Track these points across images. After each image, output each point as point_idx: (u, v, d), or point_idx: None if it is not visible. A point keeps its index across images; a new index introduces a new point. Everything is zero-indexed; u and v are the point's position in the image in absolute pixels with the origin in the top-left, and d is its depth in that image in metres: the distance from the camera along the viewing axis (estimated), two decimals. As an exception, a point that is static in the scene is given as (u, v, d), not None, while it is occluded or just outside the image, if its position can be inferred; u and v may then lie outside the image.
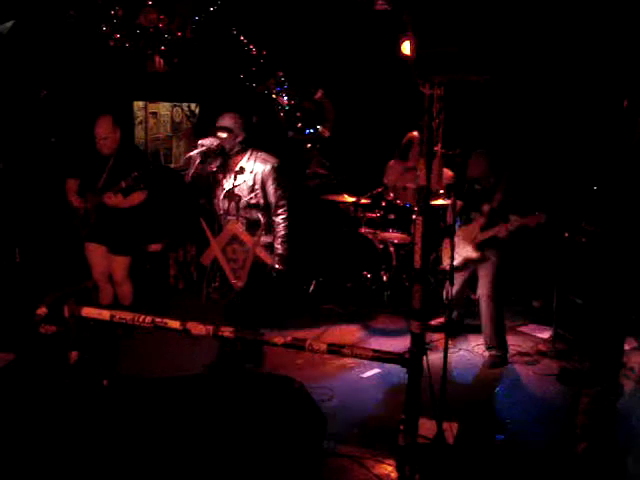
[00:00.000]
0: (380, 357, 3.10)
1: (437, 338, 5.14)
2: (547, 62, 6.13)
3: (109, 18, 6.09)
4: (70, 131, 6.01)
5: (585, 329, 4.91)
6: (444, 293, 5.45)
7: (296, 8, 6.78)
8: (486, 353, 5.02)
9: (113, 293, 5.19)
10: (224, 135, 4.24)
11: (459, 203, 5.08)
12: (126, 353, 4.83)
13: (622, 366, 4.32)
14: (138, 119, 7.11)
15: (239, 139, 4.29)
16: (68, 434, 3.25)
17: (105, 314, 3.34)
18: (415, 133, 6.08)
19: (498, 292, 4.93)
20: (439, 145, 4.40)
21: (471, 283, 5.31)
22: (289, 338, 3.22)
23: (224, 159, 4.34)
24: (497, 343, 4.94)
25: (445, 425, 3.52)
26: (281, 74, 6.93)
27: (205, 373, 4.45)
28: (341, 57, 7.03)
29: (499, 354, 4.93)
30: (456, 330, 5.43)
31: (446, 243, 5.30)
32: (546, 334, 5.50)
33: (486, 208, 4.94)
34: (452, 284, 4.06)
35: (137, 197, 4.91)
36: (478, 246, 4.94)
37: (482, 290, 4.98)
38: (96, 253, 5.04)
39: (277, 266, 4.28)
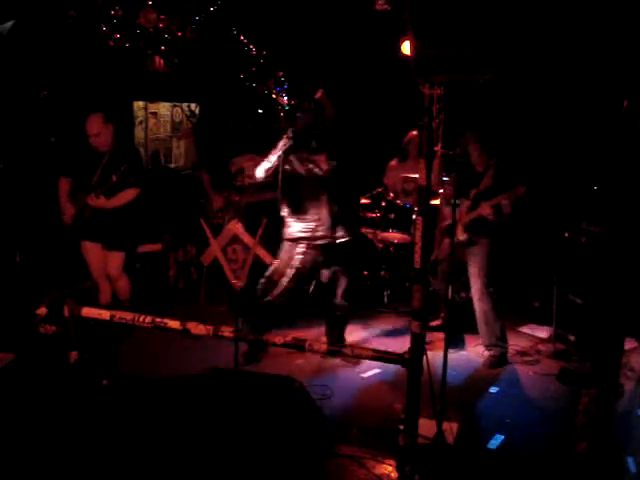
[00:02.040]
0: (380, 357, 3.10)
1: (437, 338, 5.14)
2: (547, 62, 6.13)
3: (109, 18, 6.09)
4: (70, 131, 6.01)
5: (585, 329, 4.91)
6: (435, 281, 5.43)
7: (296, 8, 6.78)
8: (486, 353, 5.01)
9: (112, 291, 5.21)
10: None
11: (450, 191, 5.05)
12: (126, 353, 4.83)
13: (622, 366, 4.33)
14: (138, 119, 7.12)
15: None
16: (68, 434, 3.25)
17: (105, 314, 3.34)
18: (415, 132, 6.08)
19: (490, 288, 4.91)
20: (439, 145, 4.41)
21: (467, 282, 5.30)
22: (289, 338, 3.22)
23: None
24: (495, 341, 4.93)
25: (445, 425, 3.52)
26: (281, 74, 6.93)
27: (205, 373, 4.46)
28: (341, 57, 7.03)
29: (497, 353, 4.92)
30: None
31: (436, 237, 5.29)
32: (546, 334, 5.50)
33: (473, 192, 4.91)
34: (452, 284, 4.06)
35: (126, 195, 4.91)
36: (465, 228, 4.91)
37: (474, 287, 4.96)
38: (92, 251, 5.08)
39: None
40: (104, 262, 5.12)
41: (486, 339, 4.96)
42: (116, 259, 5.09)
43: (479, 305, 4.93)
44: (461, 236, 4.92)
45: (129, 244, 5.26)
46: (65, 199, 5.01)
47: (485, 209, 4.82)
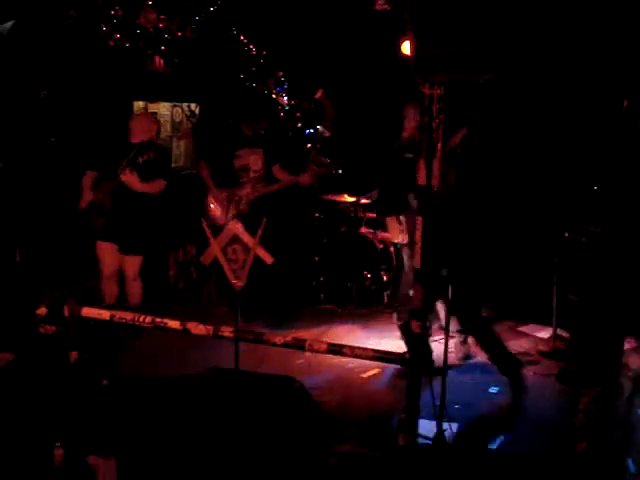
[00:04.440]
0: (380, 357, 3.10)
1: (438, 338, 5.15)
2: (547, 62, 6.13)
3: (109, 18, 6.09)
4: (70, 131, 6.02)
5: (585, 329, 4.91)
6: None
7: (296, 8, 6.78)
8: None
9: (118, 294, 5.22)
10: None
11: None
12: (126, 353, 4.83)
13: (622, 366, 4.33)
14: (138, 119, 7.10)
15: None
16: (68, 433, 3.25)
17: (105, 314, 3.33)
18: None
19: None
20: (439, 145, 4.38)
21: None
22: (289, 338, 3.22)
23: None
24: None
25: (445, 425, 3.52)
26: (281, 74, 6.93)
27: (205, 373, 4.45)
28: (341, 57, 7.03)
29: (465, 339, 5.03)
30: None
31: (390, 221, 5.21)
32: (546, 334, 5.50)
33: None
34: (453, 284, 4.07)
35: (157, 185, 5.02)
36: None
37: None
38: (107, 252, 5.11)
39: None
40: (117, 263, 5.14)
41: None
42: (133, 262, 5.13)
43: None
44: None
45: (147, 247, 5.29)
46: (87, 189, 5.06)
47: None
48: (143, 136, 5.06)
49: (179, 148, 7.61)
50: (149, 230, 5.16)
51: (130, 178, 4.88)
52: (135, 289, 5.20)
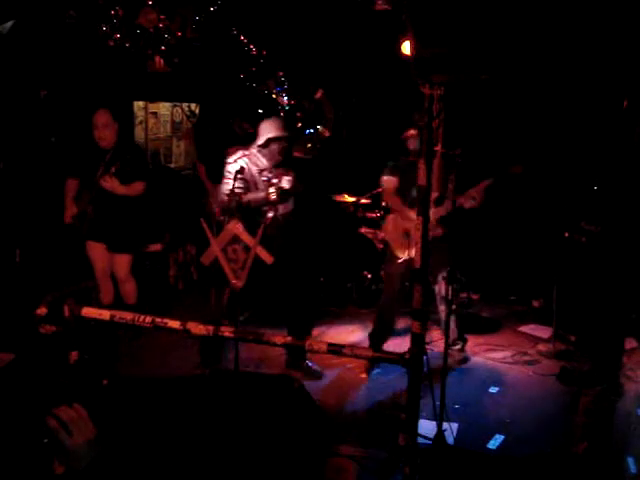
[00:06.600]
0: (380, 357, 3.10)
1: (437, 338, 5.16)
2: (547, 62, 6.13)
3: (109, 18, 6.08)
4: (70, 131, 6.01)
5: (585, 329, 4.91)
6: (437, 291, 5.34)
7: (296, 8, 6.78)
8: (490, 354, 5.04)
9: (114, 292, 5.21)
10: None
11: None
12: (126, 353, 4.83)
13: (622, 366, 4.33)
14: (138, 119, 7.10)
15: None
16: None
17: (105, 314, 3.33)
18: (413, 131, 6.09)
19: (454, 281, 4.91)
20: (439, 145, 4.39)
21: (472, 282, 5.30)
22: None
23: None
24: (459, 335, 4.99)
25: (445, 425, 3.52)
26: (281, 74, 6.93)
27: (205, 373, 4.46)
28: (341, 57, 7.03)
29: (463, 347, 5.01)
30: None
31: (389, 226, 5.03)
32: (546, 334, 5.50)
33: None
34: (452, 283, 4.07)
35: (135, 187, 4.93)
36: (439, 222, 4.67)
37: (440, 279, 4.86)
38: (97, 251, 5.08)
39: None
40: (108, 263, 5.12)
41: (456, 334, 4.98)
42: (123, 262, 5.10)
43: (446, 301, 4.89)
44: (434, 231, 4.57)
45: (135, 246, 5.26)
46: (70, 198, 5.03)
47: (467, 201, 4.63)
48: (111, 140, 4.95)
49: (179, 148, 7.62)
50: (135, 228, 5.14)
51: (111, 183, 4.84)
52: (128, 290, 5.18)
